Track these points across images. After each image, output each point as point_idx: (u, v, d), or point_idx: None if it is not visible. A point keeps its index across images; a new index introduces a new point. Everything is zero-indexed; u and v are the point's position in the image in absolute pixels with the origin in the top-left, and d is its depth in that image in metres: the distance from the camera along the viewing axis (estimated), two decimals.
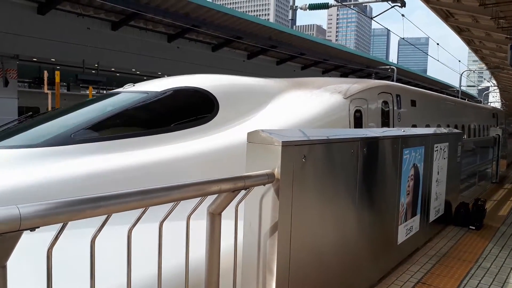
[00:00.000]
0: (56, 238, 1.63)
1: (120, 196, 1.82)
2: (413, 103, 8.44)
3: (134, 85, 5.26)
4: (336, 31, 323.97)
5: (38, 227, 1.51)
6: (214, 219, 2.49)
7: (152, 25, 23.22)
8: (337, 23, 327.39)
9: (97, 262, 1.81)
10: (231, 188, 2.40)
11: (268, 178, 2.56)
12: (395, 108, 7.43)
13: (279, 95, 5.62)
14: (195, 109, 4.74)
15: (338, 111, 5.81)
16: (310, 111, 5.44)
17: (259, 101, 5.27)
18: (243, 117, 4.89)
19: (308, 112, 5.39)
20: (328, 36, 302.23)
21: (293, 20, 30.25)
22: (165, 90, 4.76)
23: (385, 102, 7.12)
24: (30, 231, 1.49)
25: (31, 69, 25.82)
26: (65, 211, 1.61)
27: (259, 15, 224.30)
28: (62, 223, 1.62)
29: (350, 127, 5.83)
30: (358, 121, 6.15)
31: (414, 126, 7.99)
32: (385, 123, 7.06)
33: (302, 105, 5.54)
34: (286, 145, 2.63)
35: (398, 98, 7.60)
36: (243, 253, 2.76)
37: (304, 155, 2.80)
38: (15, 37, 18.03)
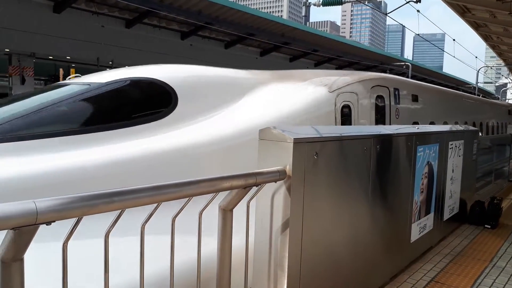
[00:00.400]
0: (71, 232, 1.67)
1: (133, 191, 1.85)
2: (415, 98, 7.71)
3: (81, 76, 4.75)
4: (350, 28, 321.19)
5: (54, 221, 1.55)
6: (226, 215, 2.51)
7: (165, 23, 23.36)
8: (351, 20, 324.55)
9: (111, 256, 1.85)
10: (243, 184, 2.41)
11: (279, 175, 2.56)
12: (392, 103, 6.70)
13: (257, 88, 5.08)
14: (147, 103, 4.19)
15: (322, 106, 5.23)
16: (289, 106, 4.90)
17: (230, 95, 4.74)
18: (208, 112, 4.36)
19: (286, 108, 4.85)
20: (342, 33, 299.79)
21: (307, 16, 30.15)
22: (111, 81, 4.18)
23: (380, 97, 6.39)
24: (46, 225, 1.53)
25: (47, 67, 26.23)
26: (80, 205, 1.65)
27: (272, 12, 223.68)
28: (77, 218, 1.66)
29: (336, 124, 5.27)
30: (346, 118, 5.55)
31: (415, 123, 7.37)
32: (380, 120, 6.36)
33: (280, 100, 5.00)
34: (298, 142, 2.63)
35: (396, 92, 6.88)
36: (255, 250, 2.77)
37: (316, 152, 2.79)
38: (32, 36, 18.34)
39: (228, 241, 2.52)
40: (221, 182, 2.32)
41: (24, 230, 1.48)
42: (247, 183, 2.43)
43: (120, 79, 4.25)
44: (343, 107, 5.48)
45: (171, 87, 4.28)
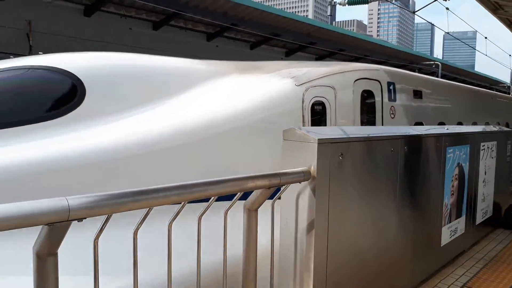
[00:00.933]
0: (101, 229, 1.71)
1: (159, 190, 1.89)
2: (417, 94, 6.61)
3: None
4: (378, 27, 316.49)
5: (85, 218, 1.59)
6: (251, 215, 2.51)
7: (191, 25, 23.64)
8: (378, 18, 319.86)
9: (139, 254, 1.88)
10: (267, 184, 2.41)
11: (304, 176, 2.54)
12: (386, 100, 5.69)
13: (209, 81, 4.30)
14: (39, 97, 3.37)
15: (283, 102, 4.34)
16: (241, 103, 4.09)
17: (170, 88, 3.95)
18: (133, 109, 3.55)
19: (237, 104, 4.06)
20: (369, 32, 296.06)
21: (332, 16, 29.88)
22: None
23: (368, 92, 5.40)
24: (78, 221, 1.58)
25: None
26: (109, 203, 1.69)
27: (298, 11, 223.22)
28: (107, 215, 1.70)
29: (304, 124, 4.42)
30: (319, 117, 4.64)
31: (418, 124, 6.46)
32: (369, 119, 5.42)
33: (232, 95, 4.19)
34: (322, 142, 2.60)
35: (391, 87, 5.83)
36: (280, 250, 2.76)
37: (341, 153, 2.75)
38: (63, 39, 18.92)
39: (254, 241, 2.51)
40: (246, 182, 2.33)
41: (57, 226, 1.54)
42: (271, 183, 2.42)
43: (5, 67, 3.49)
44: (315, 104, 4.56)
45: (76, 77, 3.45)
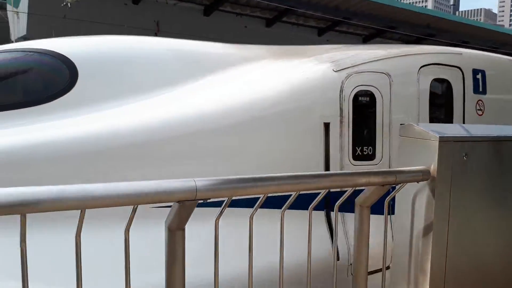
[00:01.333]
0: (221, 212, 1.86)
1: (276, 178, 1.98)
2: None
3: None
4: (510, 15, 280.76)
5: (209, 199, 1.76)
6: (363, 211, 2.49)
7: (303, 20, 23.78)
8: (511, 6, 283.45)
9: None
10: (381, 182, 2.37)
11: (422, 175, 2.43)
12: (470, 92, 4.50)
13: (233, 67, 3.80)
14: (24, 81, 3.20)
15: (311, 91, 3.63)
16: (257, 93, 3.51)
17: (181, 74, 3.53)
18: (134, 96, 3.22)
19: (252, 95, 3.50)
20: (499, 21, 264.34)
21: (455, 5, 27.54)
22: None
23: (443, 82, 4.30)
24: (203, 201, 1.75)
25: None
26: (231, 187, 1.83)
27: (416, 2, 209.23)
28: (227, 198, 1.85)
29: (343, 118, 3.64)
30: (366, 112, 3.83)
31: None
32: (444, 115, 4.39)
33: (248, 85, 3.63)
34: (444, 140, 2.45)
35: (479, 76, 4.59)
36: (394, 250, 2.69)
37: (465, 153, 2.56)
38: (184, 38, 20.55)
39: (365, 238, 2.49)
40: (358, 178, 2.32)
41: (186, 204, 1.71)
42: (385, 180, 2.37)
43: None
44: (360, 94, 3.75)
45: (68, 59, 3.17)
